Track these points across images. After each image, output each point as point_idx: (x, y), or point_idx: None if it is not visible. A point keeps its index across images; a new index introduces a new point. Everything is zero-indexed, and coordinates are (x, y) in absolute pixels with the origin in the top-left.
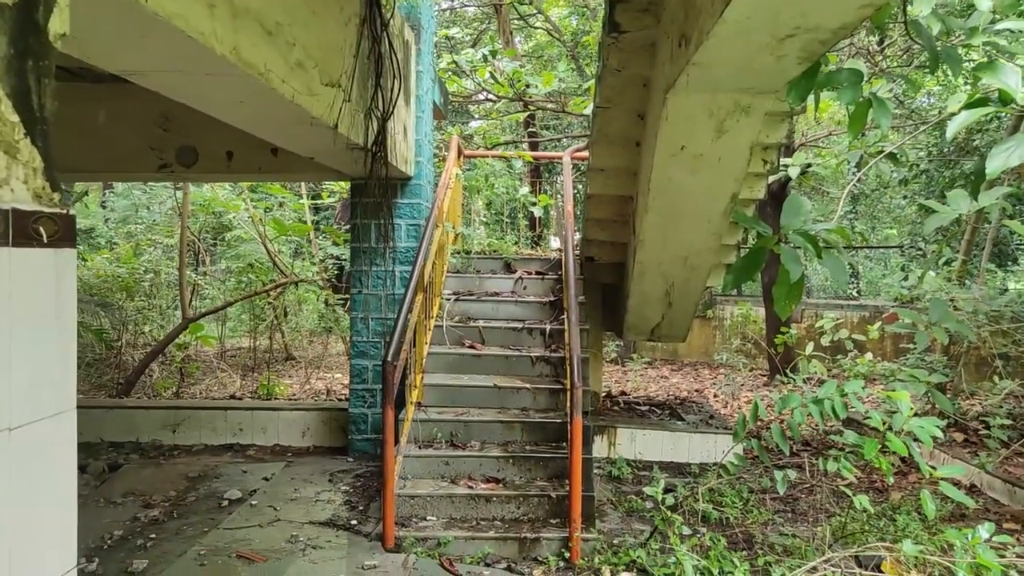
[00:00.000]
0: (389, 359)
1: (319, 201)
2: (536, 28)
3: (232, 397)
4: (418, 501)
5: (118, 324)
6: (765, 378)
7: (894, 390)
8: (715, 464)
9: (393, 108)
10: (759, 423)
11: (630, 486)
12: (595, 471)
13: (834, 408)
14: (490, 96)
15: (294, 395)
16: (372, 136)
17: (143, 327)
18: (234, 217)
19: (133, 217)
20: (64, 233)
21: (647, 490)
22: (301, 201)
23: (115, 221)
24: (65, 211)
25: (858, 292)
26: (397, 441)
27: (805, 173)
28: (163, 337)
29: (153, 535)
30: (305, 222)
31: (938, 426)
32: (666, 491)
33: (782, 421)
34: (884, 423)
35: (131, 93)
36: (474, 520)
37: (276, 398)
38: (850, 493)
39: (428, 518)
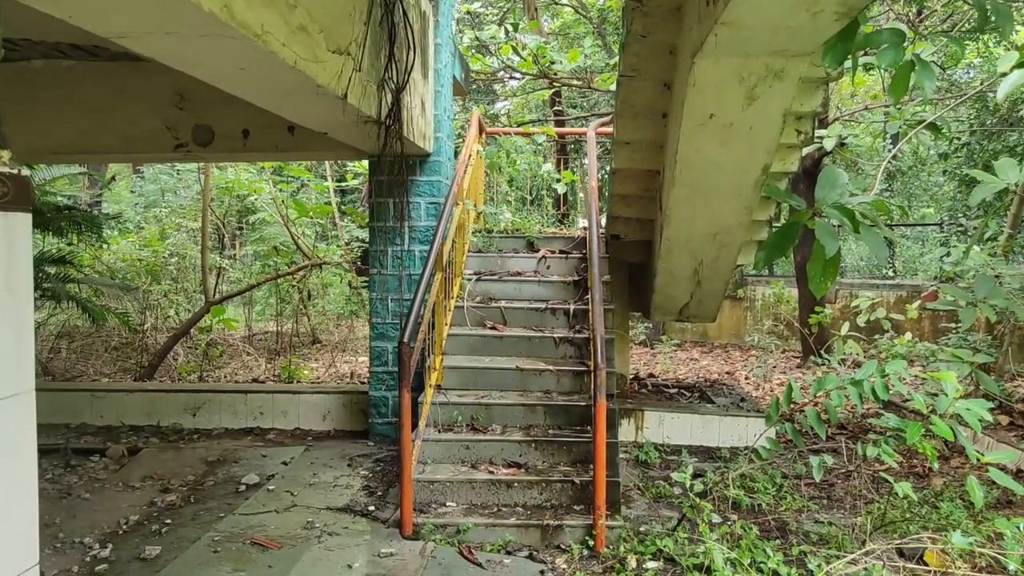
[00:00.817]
0: (405, 340)
1: (344, 183)
2: (563, 5)
3: (255, 381)
4: (437, 487)
5: (143, 308)
6: (799, 360)
7: (936, 371)
8: (746, 448)
9: (407, 79)
10: (793, 406)
11: (658, 471)
12: (621, 455)
13: (875, 390)
14: (514, 75)
15: (318, 379)
16: (386, 109)
17: (168, 311)
18: (256, 199)
19: (160, 201)
20: (16, 196)
21: (675, 476)
22: (325, 183)
23: (142, 205)
24: (16, 171)
25: (894, 271)
26: (416, 425)
27: (841, 146)
28: (186, 321)
29: (169, 520)
30: (329, 204)
31: (986, 409)
32: (695, 476)
33: (817, 404)
34: (928, 406)
35: (146, 71)
36: (495, 506)
37: (299, 382)
38: (891, 480)
39: (448, 504)
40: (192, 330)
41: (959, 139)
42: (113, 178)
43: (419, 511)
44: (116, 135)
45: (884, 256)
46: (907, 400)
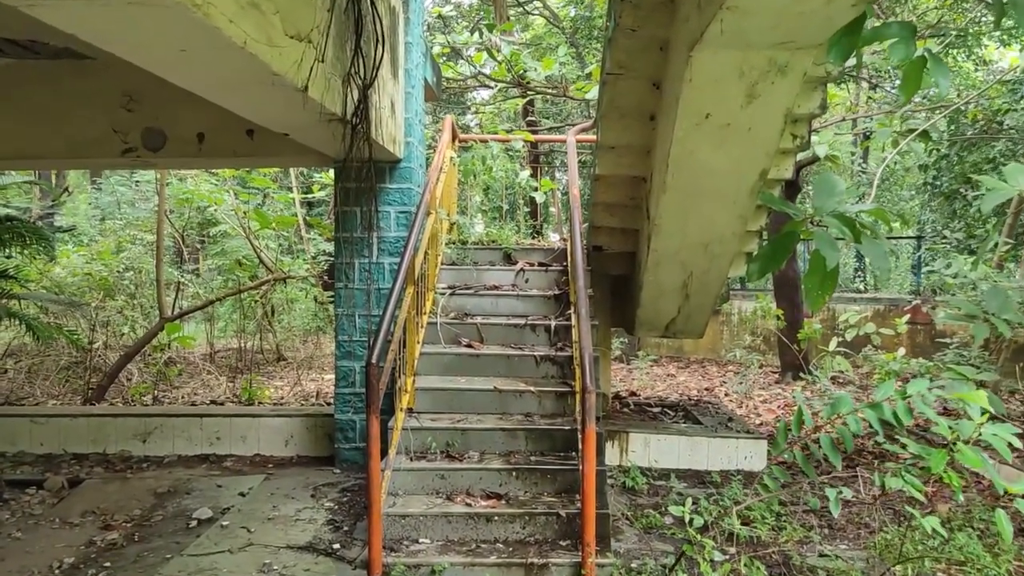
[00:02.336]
0: (373, 361)
1: (311, 195)
2: (534, 15)
3: (213, 402)
4: (409, 521)
5: (94, 325)
6: (777, 375)
7: (944, 389)
8: (737, 472)
9: (376, 74)
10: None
11: (646, 498)
12: (607, 481)
13: (896, 414)
14: (487, 83)
15: (281, 399)
16: (352, 106)
17: (122, 328)
18: (216, 211)
19: (116, 213)
20: None
21: (673, 510)
22: (291, 195)
23: (98, 218)
24: None
25: (865, 286)
26: (386, 453)
27: (830, 157)
28: (139, 339)
29: (108, 563)
30: (294, 215)
31: (1015, 434)
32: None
33: (819, 428)
34: (952, 431)
35: (91, 71)
36: (473, 543)
37: (260, 403)
38: (916, 514)
39: (421, 541)
40: (148, 348)
41: (938, 150)
42: (67, 189)
43: (389, 549)
44: (59, 139)
45: (888, 268)
46: (912, 425)
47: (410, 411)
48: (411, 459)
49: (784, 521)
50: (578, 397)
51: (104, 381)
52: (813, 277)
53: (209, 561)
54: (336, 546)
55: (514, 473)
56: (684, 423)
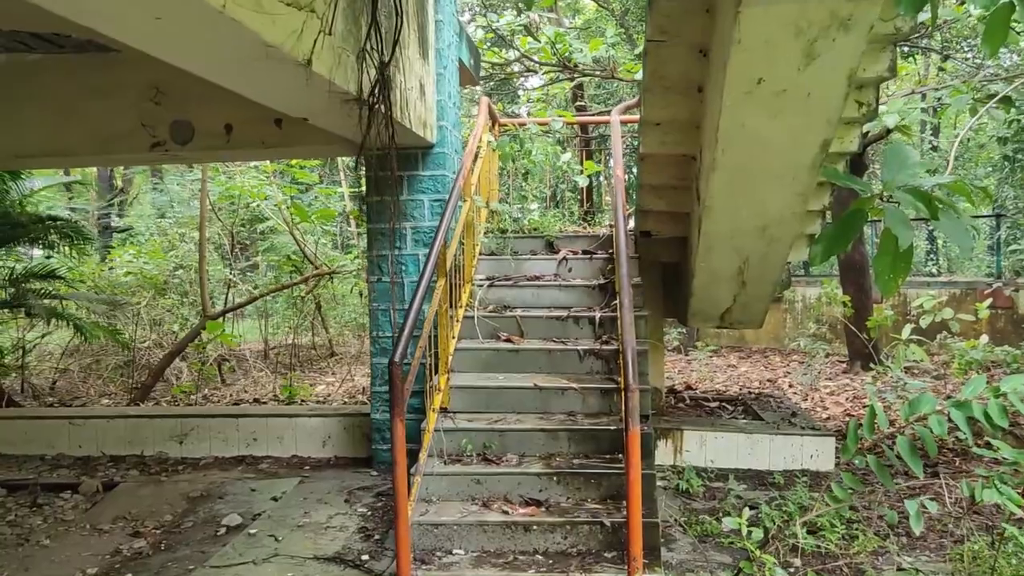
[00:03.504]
0: (396, 359)
1: (361, 189)
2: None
3: (256, 400)
4: (442, 531)
5: (146, 324)
6: (844, 365)
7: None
8: (803, 472)
9: (395, 50)
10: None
11: (702, 502)
12: (658, 483)
13: (987, 413)
14: (532, 67)
15: (328, 396)
16: (369, 85)
17: (172, 326)
18: (259, 206)
19: (171, 212)
20: None
21: (728, 522)
22: (336, 189)
23: (151, 216)
24: None
25: (939, 269)
26: (416, 456)
27: (900, 129)
28: (182, 337)
29: (130, 574)
30: (329, 208)
31: None
32: (748, 508)
33: (900, 430)
34: None
35: (118, 64)
36: (510, 554)
37: (303, 402)
38: (1015, 531)
39: (454, 552)
40: (199, 346)
41: (1019, 121)
42: (122, 189)
43: (420, 561)
44: (87, 135)
45: (969, 246)
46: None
47: (444, 411)
48: (445, 462)
49: (856, 529)
50: (623, 396)
51: (148, 380)
52: (884, 259)
53: (231, 573)
54: (365, 557)
55: (555, 477)
56: (743, 419)
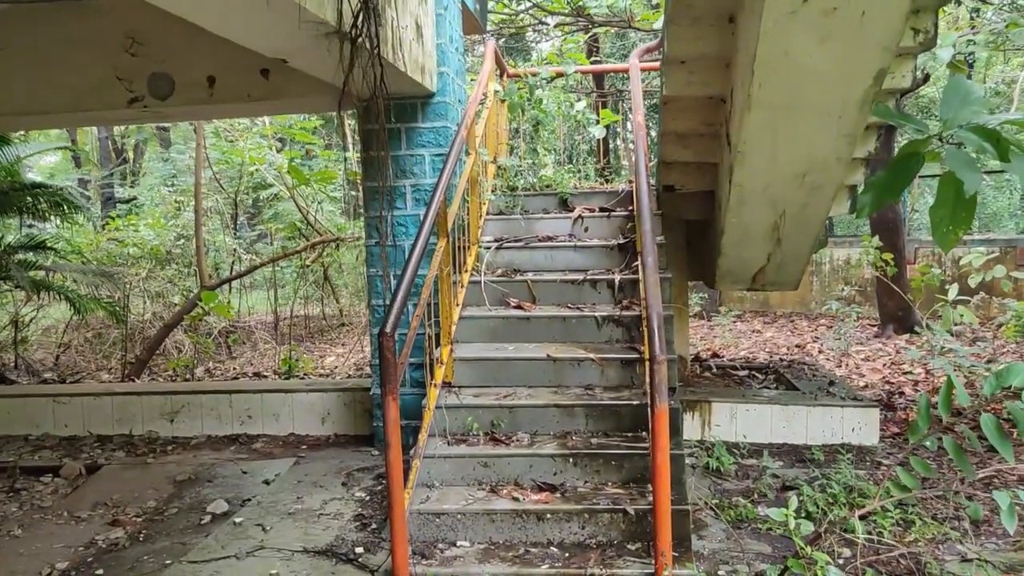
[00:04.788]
0: (387, 330)
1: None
2: None
3: (256, 375)
4: (445, 520)
5: (128, 295)
6: (876, 329)
7: None
8: (843, 447)
9: None
10: (898, 393)
11: (734, 481)
12: (686, 460)
13: None
14: (542, 16)
15: (334, 369)
16: (351, 14)
17: (173, 298)
18: (257, 170)
19: (176, 182)
20: None
21: (773, 514)
22: (348, 153)
23: (156, 187)
24: None
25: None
26: (412, 437)
27: (952, 65)
28: (178, 309)
29: (101, 570)
30: (328, 169)
31: None
32: (784, 489)
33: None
34: None
35: (92, 11)
36: (521, 546)
37: (306, 375)
38: None
39: (459, 544)
40: (195, 318)
41: None
42: (124, 159)
43: (420, 555)
44: (63, 90)
45: None
46: None
47: (447, 385)
48: (448, 443)
49: (912, 513)
50: (647, 367)
51: (143, 355)
52: (942, 208)
53: (210, 570)
54: (359, 550)
55: (571, 459)
56: (776, 388)
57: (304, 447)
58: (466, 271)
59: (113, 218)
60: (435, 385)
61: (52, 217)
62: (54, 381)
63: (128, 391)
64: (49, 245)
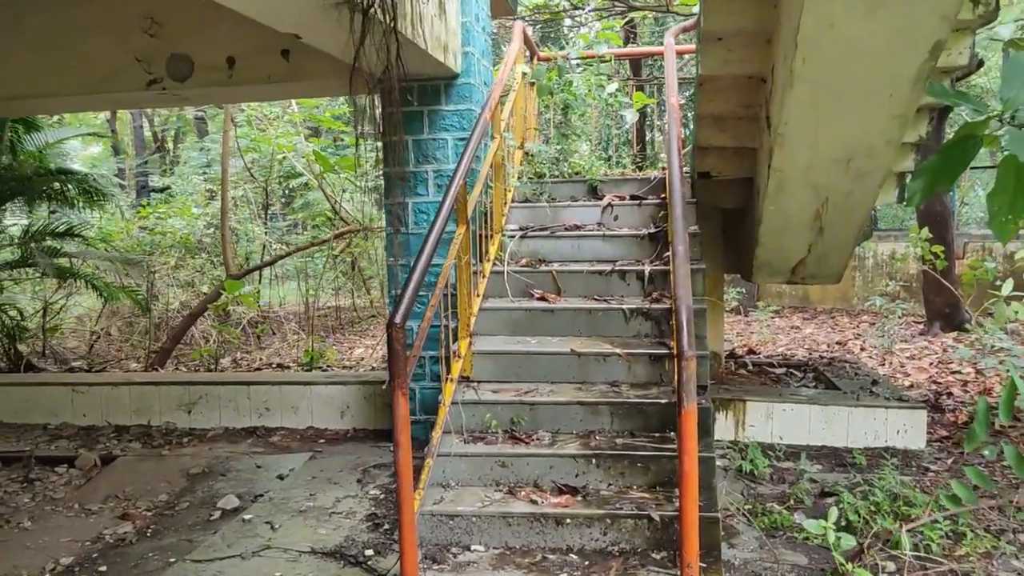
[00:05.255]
0: (396, 321)
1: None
2: None
3: (279, 366)
4: (459, 523)
5: (173, 284)
6: (921, 327)
7: None
8: (887, 450)
9: None
10: (946, 394)
11: (769, 485)
12: (718, 462)
13: None
14: (579, 2)
15: (360, 360)
16: None
17: (202, 287)
18: (284, 158)
19: (210, 171)
20: None
21: (810, 526)
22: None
23: (190, 176)
24: None
25: None
26: (422, 439)
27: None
28: (203, 298)
29: (104, 567)
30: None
31: None
32: (823, 495)
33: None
34: None
35: None
36: (539, 552)
37: (329, 367)
38: None
39: (473, 548)
40: (217, 308)
41: None
42: (160, 146)
43: (431, 560)
44: (79, 73)
45: None
46: None
47: (465, 380)
48: (465, 441)
49: (963, 525)
50: (675, 364)
51: (167, 344)
52: (1001, 196)
53: (213, 570)
54: (369, 552)
55: (594, 460)
56: (815, 387)
57: (322, 441)
58: (488, 260)
59: (144, 206)
60: (452, 380)
61: (79, 204)
62: (82, 369)
63: (147, 381)
64: (77, 232)
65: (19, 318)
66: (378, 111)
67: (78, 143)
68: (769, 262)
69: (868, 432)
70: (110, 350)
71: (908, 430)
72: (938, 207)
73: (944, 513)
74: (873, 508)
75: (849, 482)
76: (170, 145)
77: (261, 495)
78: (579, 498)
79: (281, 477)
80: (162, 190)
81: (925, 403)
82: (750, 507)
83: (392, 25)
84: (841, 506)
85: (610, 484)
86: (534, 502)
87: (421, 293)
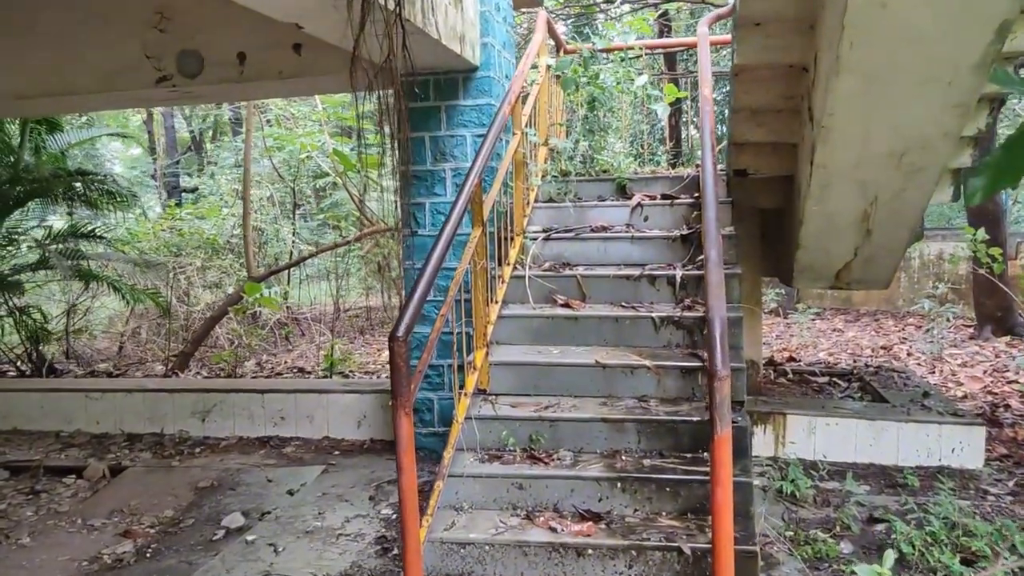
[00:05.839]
0: (399, 333)
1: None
2: None
3: (300, 371)
4: (471, 551)
5: (199, 286)
6: (971, 331)
7: None
8: (941, 470)
9: None
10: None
11: (812, 509)
12: (755, 481)
13: None
14: None
15: (386, 364)
16: None
17: (228, 288)
18: (308, 157)
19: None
20: None
21: (862, 571)
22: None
23: (212, 175)
24: None
25: None
26: (440, 453)
27: None
28: (224, 301)
29: None
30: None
31: None
32: (871, 521)
33: None
34: None
35: None
36: None
37: (351, 372)
38: None
39: None
40: (239, 310)
41: None
42: (190, 147)
43: None
44: (89, 70)
45: None
46: None
47: (482, 393)
48: (480, 460)
49: None
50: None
51: (188, 348)
52: None
53: None
54: None
55: (619, 484)
56: (860, 398)
57: (337, 453)
58: (508, 264)
59: (171, 207)
60: (466, 394)
61: (102, 205)
62: (106, 373)
63: (160, 388)
64: (99, 234)
65: (43, 321)
66: (390, 104)
67: (120, 145)
68: (811, 266)
69: (920, 449)
70: (138, 352)
71: (964, 448)
72: (991, 206)
73: (1018, 561)
74: (929, 539)
75: (900, 506)
76: (208, 146)
77: (268, 512)
78: (602, 525)
79: (291, 492)
80: (193, 190)
81: (981, 416)
82: (791, 533)
83: (397, 12)
84: (893, 536)
85: (636, 510)
86: (553, 530)
87: (437, 298)
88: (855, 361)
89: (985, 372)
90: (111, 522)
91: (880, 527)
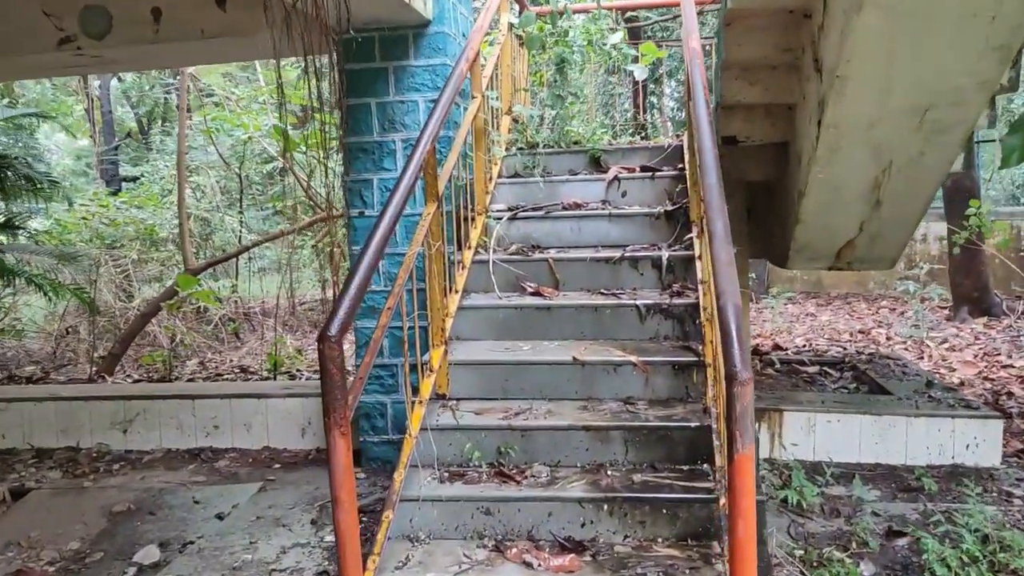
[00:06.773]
0: (331, 333)
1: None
2: None
3: (243, 371)
4: None
5: (138, 280)
6: (947, 312)
7: None
8: (954, 468)
9: None
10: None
11: (820, 520)
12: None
13: None
14: None
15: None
16: None
17: (167, 282)
18: (249, 138)
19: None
20: None
21: None
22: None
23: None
24: None
25: None
26: (394, 463)
27: None
28: (156, 296)
29: None
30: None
31: None
32: (890, 535)
33: None
34: None
35: None
36: None
37: (299, 372)
38: None
39: None
40: (172, 306)
41: None
42: (129, 134)
43: None
44: None
45: None
46: None
47: (441, 399)
48: (440, 479)
49: None
50: (720, 389)
51: (116, 349)
52: None
53: None
54: None
55: (605, 505)
56: (856, 389)
57: (277, 466)
58: (469, 248)
59: (96, 194)
60: (421, 402)
61: (20, 193)
62: (27, 379)
63: (76, 395)
64: (16, 224)
65: None
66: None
67: (64, 137)
68: (810, 244)
69: (931, 446)
70: (68, 354)
71: (980, 444)
72: (967, 181)
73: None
74: (965, 558)
75: (920, 515)
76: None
77: (191, 543)
78: (587, 557)
79: (220, 517)
80: (134, 179)
81: (998, 408)
82: (802, 552)
83: None
84: (924, 556)
85: (627, 536)
86: (528, 564)
87: (386, 288)
88: (833, 345)
89: (976, 356)
90: (4, 558)
91: (902, 542)
